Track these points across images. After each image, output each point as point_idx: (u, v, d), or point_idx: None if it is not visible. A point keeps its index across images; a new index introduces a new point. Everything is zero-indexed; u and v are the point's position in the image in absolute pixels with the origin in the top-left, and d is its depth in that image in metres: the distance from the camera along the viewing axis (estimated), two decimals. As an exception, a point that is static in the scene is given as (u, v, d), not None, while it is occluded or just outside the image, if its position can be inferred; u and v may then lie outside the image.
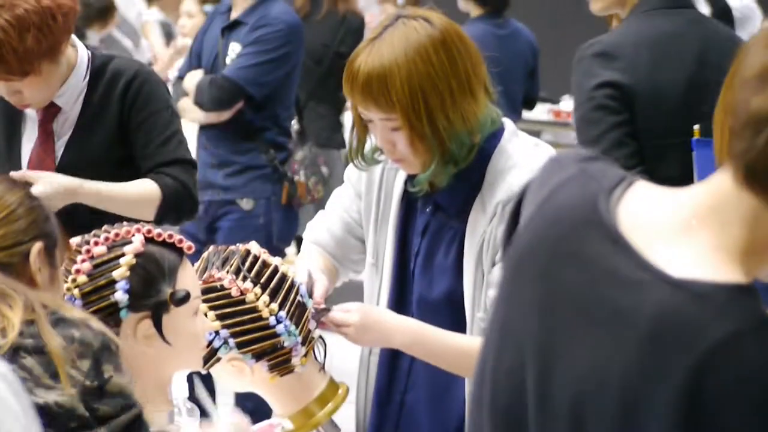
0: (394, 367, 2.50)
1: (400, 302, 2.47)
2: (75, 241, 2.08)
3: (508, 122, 2.42)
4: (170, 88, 4.04)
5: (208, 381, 4.18)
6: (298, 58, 4.81)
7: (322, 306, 2.33)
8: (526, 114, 6.66)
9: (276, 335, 2.24)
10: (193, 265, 2.15)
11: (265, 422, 2.50)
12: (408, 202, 2.47)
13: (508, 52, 5.69)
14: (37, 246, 1.97)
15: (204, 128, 4.83)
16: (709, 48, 3.04)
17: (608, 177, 1.34)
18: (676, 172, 2.84)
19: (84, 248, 2.04)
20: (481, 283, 2.34)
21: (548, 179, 1.39)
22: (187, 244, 2.08)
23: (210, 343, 2.22)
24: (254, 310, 2.23)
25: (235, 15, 4.83)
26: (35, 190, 2.74)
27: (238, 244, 2.31)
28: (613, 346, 1.24)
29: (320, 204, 2.68)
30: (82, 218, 2.83)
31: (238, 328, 2.23)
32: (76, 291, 2.02)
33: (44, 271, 1.97)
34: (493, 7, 6.01)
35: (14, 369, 1.70)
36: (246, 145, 4.76)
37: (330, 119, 6.20)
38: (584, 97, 2.98)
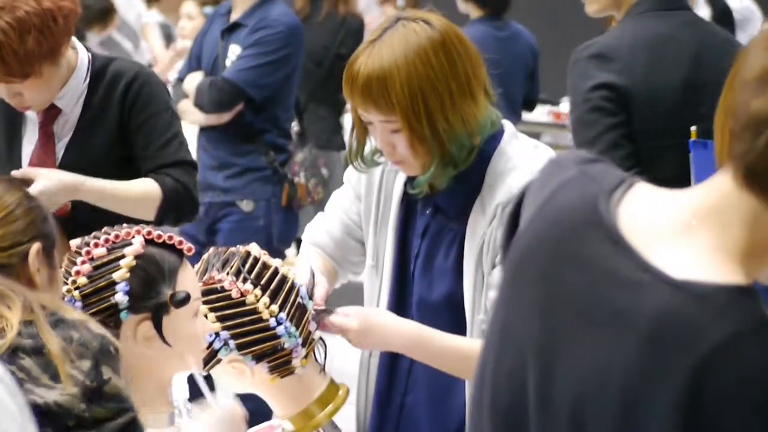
0: (394, 368, 2.50)
1: (400, 304, 2.47)
2: (75, 242, 2.08)
3: (507, 124, 2.42)
4: (170, 90, 4.03)
5: (208, 382, 4.18)
6: (298, 60, 4.81)
7: (323, 307, 2.34)
8: (526, 116, 6.66)
9: (276, 337, 2.24)
10: (193, 266, 2.15)
11: (266, 424, 2.50)
12: (408, 204, 2.47)
13: (508, 54, 5.69)
14: (35, 247, 1.97)
15: (204, 130, 4.84)
16: (705, 49, 3.05)
17: (608, 178, 1.34)
18: (672, 174, 2.84)
19: (84, 250, 2.05)
20: (481, 285, 2.34)
21: (548, 181, 1.40)
22: (187, 246, 2.08)
23: (210, 344, 2.22)
24: (254, 311, 2.23)
25: (234, 17, 4.83)
26: (37, 187, 2.75)
27: (238, 246, 2.31)
28: (614, 346, 1.24)
29: (320, 206, 2.68)
30: (82, 217, 2.84)
31: (238, 330, 2.23)
32: (76, 293, 2.02)
33: (43, 272, 1.97)
34: (493, 9, 6.01)
35: (13, 370, 1.70)
36: (246, 146, 4.76)
37: (330, 121, 6.20)
38: (580, 99, 2.98)
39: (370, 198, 2.51)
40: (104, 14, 6.96)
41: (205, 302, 2.20)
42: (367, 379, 2.53)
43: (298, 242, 5.54)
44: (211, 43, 4.87)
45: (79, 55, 2.98)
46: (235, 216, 4.77)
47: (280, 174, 4.80)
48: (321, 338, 2.36)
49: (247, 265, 2.25)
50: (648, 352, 1.21)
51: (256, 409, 4.49)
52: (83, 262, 2.03)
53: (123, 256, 2.02)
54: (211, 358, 2.24)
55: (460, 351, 2.32)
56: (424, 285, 2.43)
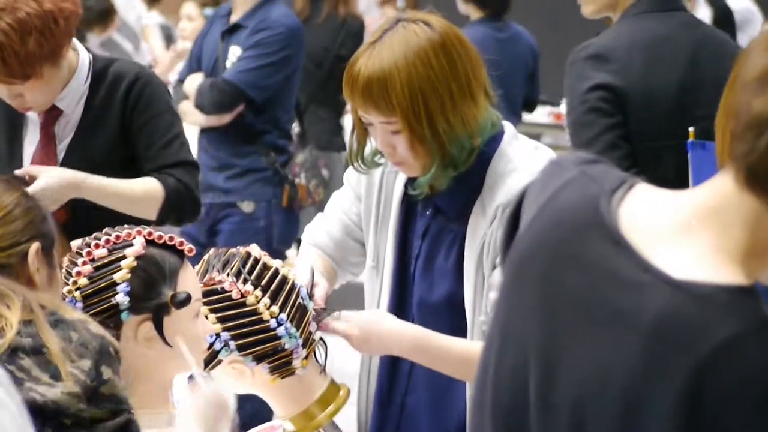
0: (394, 369, 2.50)
1: (400, 305, 2.47)
2: (75, 243, 2.09)
3: (507, 125, 2.42)
4: (170, 91, 4.04)
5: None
6: (298, 62, 4.81)
7: (323, 308, 2.34)
8: (526, 117, 6.66)
9: (277, 338, 2.25)
10: (193, 267, 2.15)
11: (266, 424, 2.50)
12: (408, 205, 2.47)
13: (509, 55, 5.69)
14: (34, 246, 1.97)
15: (205, 131, 4.84)
16: (702, 50, 3.05)
17: (609, 179, 1.34)
18: (669, 175, 2.84)
19: (85, 251, 2.05)
20: (482, 286, 2.35)
21: (549, 182, 1.40)
22: (187, 247, 2.08)
23: (211, 345, 2.22)
24: (255, 312, 2.23)
25: (235, 18, 4.83)
26: (39, 184, 2.75)
27: (238, 247, 2.31)
28: (615, 347, 1.24)
29: (321, 206, 2.68)
30: (83, 218, 2.84)
31: (238, 331, 2.24)
32: (77, 293, 2.02)
33: (42, 272, 1.98)
34: (493, 11, 6.01)
35: (12, 369, 1.70)
36: (247, 148, 4.76)
37: (330, 122, 6.20)
38: (577, 100, 2.98)
39: (370, 199, 2.51)
40: (105, 15, 6.95)
41: (205, 303, 2.20)
42: (368, 379, 2.53)
43: (299, 243, 5.54)
44: (211, 44, 4.88)
45: (80, 56, 2.98)
46: (235, 217, 4.77)
47: (280, 175, 4.80)
48: (321, 339, 2.37)
49: (248, 266, 2.25)
50: (649, 353, 1.21)
51: (257, 410, 4.49)
52: (84, 263, 2.03)
53: (124, 257, 2.02)
54: (211, 359, 2.25)
55: (460, 354, 2.32)
56: (424, 286, 2.43)
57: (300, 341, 2.27)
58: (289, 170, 4.84)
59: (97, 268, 2.03)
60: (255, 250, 2.29)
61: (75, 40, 2.96)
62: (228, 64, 4.76)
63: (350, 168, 2.52)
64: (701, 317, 1.19)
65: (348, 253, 2.57)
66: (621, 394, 1.23)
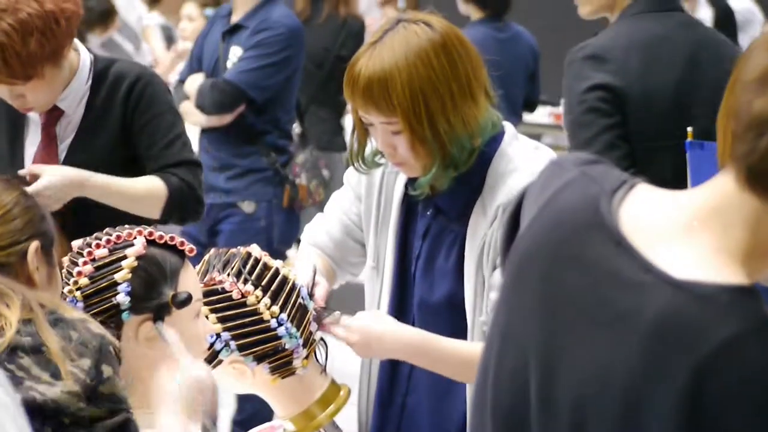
0: (395, 369, 2.50)
1: (400, 306, 2.47)
2: (76, 243, 2.09)
3: (508, 126, 2.42)
4: (171, 91, 4.04)
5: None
6: (299, 62, 4.81)
7: (323, 308, 2.34)
8: (526, 117, 6.66)
9: (277, 338, 2.25)
10: (194, 267, 2.16)
11: (267, 424, 2.50)
12: (408, 205, 2.47)
13: (509, 55, 5.69)
14: (34, 245, 1.97)
15: (205, 131, 4.84)
16: (699, 51, 3.05)
17: (609, 180, 1.34)
18: (667, 175, 2.84)
19: (86, 251, 2.05)
20: (482, 287, 2.35)
21: (549, 183, 1.40)
22: (188, 247, 2.08)
23: (211, 345, 2.22)
24: (255, 312, 2.23)
25: (235, 19, 4.83)
26: (42, 182, 2.76)
27: (239, 247, 2.31)
28: (616, 347, 1.24)
29: (321, 207, 2.69)
30: (84, 217, 2.83)
31: (239, 331, 2.24)
32: (77, 293, 2.02)
33: (42, 270, 1.98)
34: (494, 11, 6.01)
35: (12, 368, 1.70)
36: (247, 148, 4.77)
37: (331, 122, 6.20)
38: (576, 101, 2.98)
39: (370, 199, 2.51)
40: (105, 16, 6.95)
41: (206, 303, 2.20)
42: (369, 379, 2.53)
43: (299, 243, 5.54)
44: (212, 44, 4.88)
45: (81, 56, 2.98)
46: (236, 217, 4.77)
47: (281, 175, 4.80)
48: (322, 339, 2.37)
49: (248, 266, 2.25)
50: (650, 353, 1.21)
51: (257, 410, 4.48)
52: (85, 263, 2.03)
53: (125, 257, 2.02)
54: (212, 359, 2.25)
55: (461, 356, 2.32)
56: (425, 286, 2.43)
57: (300, 341, 2.27)
58: (290, 170, 4.84)
59: (98, 268, 2.03)
60: (255, 250, 2.29)
61: (76, 41, 2.96)
62: (229, 64, 4.76)
63: (350, 168, 2.52)
64: (702, 317, 1.19)
65: (347, 254, 2.57)
66: (621, 394, 1.23)
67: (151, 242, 2.05)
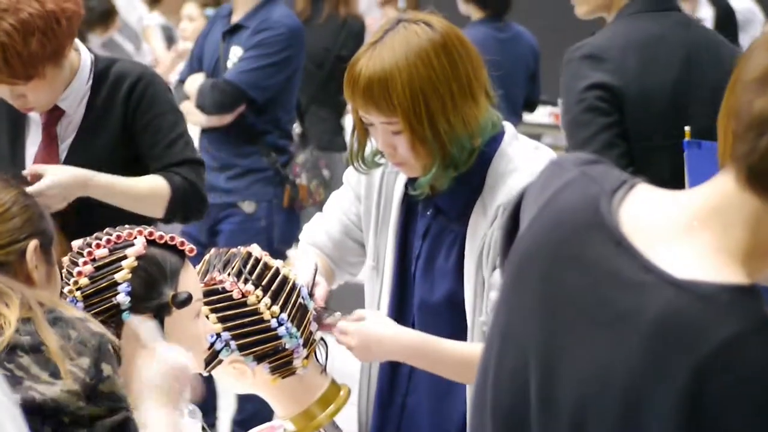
0: (395, 370, 2.50)
1: (400, 306, 2.47)
2: (77, 243, 2.09)
3: (508, 125, 2.42)
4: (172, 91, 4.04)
5: (209, 383, 4.18)
6: (299, 62, 4.82)
7: (324, 307, 2.34)
8: (527, 117, 6.65)
9: (277, 337, 2.25)
10: (194, 267, 2.16)
11: (267, 424, 2.50)
12: (408, 205, 2.47)
13: (509, 55, 5.69)
14: (32, 244, 1.97)
15: (206, 131, 4.84)
16: (696, 50, 3.05)
17: (609, 180, 1.34)
18: (665, 174, 2.84)
19: (86, 250, 2.05)
20: (482, 287, 2.35)
21: (549, 183, 1.40)
22: (188, 247, 2.08)
23: (212, 345, 2.22)
24: (256, 312, 2.23)
25: (236, 19, 4.83)
26: (45, 181, 2.76)
27: (239, 247, 2.31)
28: (616, 347, 1.24)
29: (321, 207, 2.69)
30: (85, 217, 2.84)
31: (239, 331, 2.24)
32: (77, 293, 2.02)
33: (41, 269, 1.98)
34: (494, 11, 6.01)
35: (11, 368, 1.70)
36: (248, 148, 4.77)
37: (331, 122, 6.20)
38: (574, 100, 2.98)
39: (370, 199, 2.51)
40: (106, 16, 6.96)
41: (206, 303, 2.20)
42: (369, 379, 2.53)
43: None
44: (212, 44, 4.88)
45: (81, 56, 2.98)
46: (236, 217, 4.77)
47: (281, 175, 4.80)
48: (322, 339, 2.37)
49: (249, 266, 2.25)
50: (650, 352, 1.21)
51: (257, 410, 4.48)
52: (85, 263, 2.03)
53: (125, 257, 2.02)
54: (212, 358, 2.25)
55: (460, 357, 2.32)
56: (425, 286, 2.43)
57: (301, 341, 2.27)
58: (290, 170, 4.84)
59: (98, 268, 2.03)
60: (256, 250, 2.29)
61: (77, 41, 2.96)
62: (229, 64, 4.76)
63: (350, 168, 2.52)
64: (703, 317, 1.19)
65: (346, 253, 2.57)
66: (621, 394, 1.23)
67: (151, 242, 2.05)
